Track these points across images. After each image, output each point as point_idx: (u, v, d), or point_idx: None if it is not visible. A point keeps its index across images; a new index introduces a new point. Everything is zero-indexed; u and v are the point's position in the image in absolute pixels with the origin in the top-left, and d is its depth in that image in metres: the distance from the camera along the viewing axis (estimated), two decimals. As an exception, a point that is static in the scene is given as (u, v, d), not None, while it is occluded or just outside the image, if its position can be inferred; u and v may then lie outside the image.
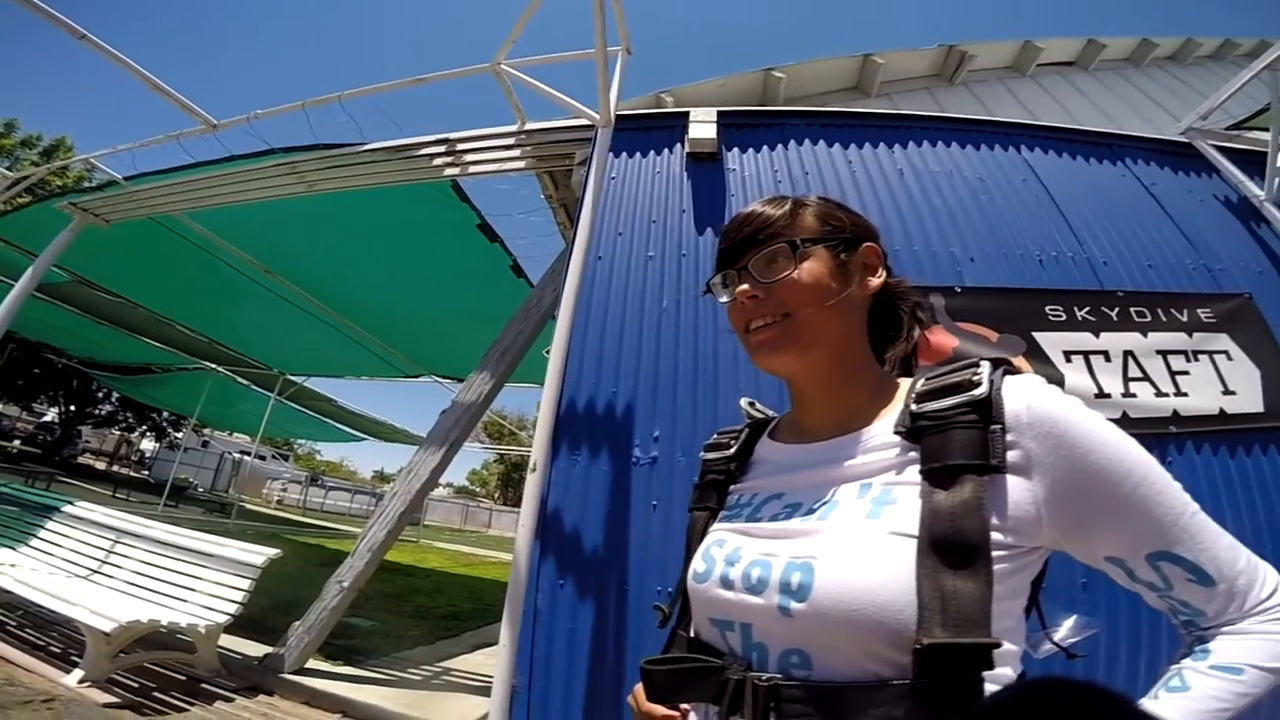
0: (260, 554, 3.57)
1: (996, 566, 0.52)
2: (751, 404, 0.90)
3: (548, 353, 2.74)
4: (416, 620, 5.96)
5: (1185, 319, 2.92)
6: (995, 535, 0.53)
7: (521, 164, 4.06)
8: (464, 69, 3.95)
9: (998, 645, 0.48)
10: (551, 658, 2.34)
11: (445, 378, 9.91)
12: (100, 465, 27.41)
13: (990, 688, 0.48)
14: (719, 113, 3.59)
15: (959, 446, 0.56)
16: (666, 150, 3.59)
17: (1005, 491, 0.55)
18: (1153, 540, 0.55)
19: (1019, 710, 0.37)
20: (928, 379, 0.64)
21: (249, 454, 25.04)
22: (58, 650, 3.36)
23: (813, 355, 0.69)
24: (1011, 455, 0.56)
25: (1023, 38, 6.33)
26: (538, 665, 2.33)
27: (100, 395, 22.75)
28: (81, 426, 24.59)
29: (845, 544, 0.56)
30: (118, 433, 28.58)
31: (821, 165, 3.52)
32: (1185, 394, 2.74)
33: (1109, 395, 2.71)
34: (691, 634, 0.73)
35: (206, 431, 28.77)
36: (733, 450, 0.82)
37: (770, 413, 0.88)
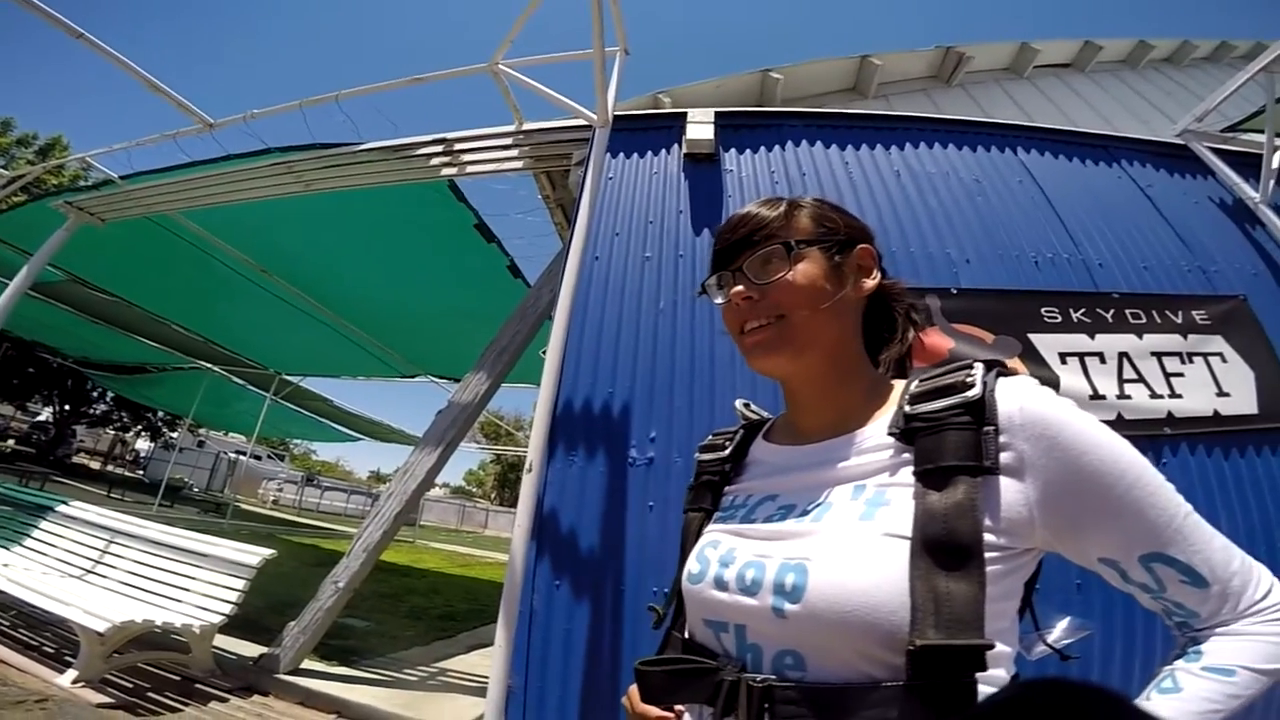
0: (255, 554, 3.56)
1: (989, 568, 0.52)
2: (747, 405, 0.90)
3: (544, 353, 2.74)
4: (412, 620, 5.95)
5: (1180, 321, 2.93)
6: (988, 537, 0.53)
7: (519, 164, 4.05)
8: (462, 69, 3.94)
9: (991, 647, 0.48)
10: (547, 658, 2.34)
11: (442, 378, 9.89)
12: (95, 465, 27.30)
13: (984, 689, 0.48)
14: (716, 113, 3.59)
15: (952, 448, 0.56)
16: (664, 151, 3.59)
17: (998, 493, 0.55)
18: (1145, 542, 0.55)
19: (1016, 710, 0.37)
20: (922, 380, 0.64)
21: (244, 454, 25.02)
22: (51, 650, 3.35)
23: (807, 357, 0.69)
24: (1004, 457, 0.56)
25: (1020, 39, 6.35)
26: (533, 666, 2.33)
27: (95, 395, 22.65)
28: (76, 426, 24.46)
29: (839, 545, 0.56)
30: (112, 432, 28.44)
31: (818, 166, 3.52)
32: (1180, 396, 2.75)
33: (1104, 397, 2.71)
34: (686, 635, 0.72)
35: (202, 431, 28.63)
36: (727, 451, 0.82)
37: (765, 414, 0.88)
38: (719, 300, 0.75)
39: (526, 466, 2.54)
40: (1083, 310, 2.92)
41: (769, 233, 0.71)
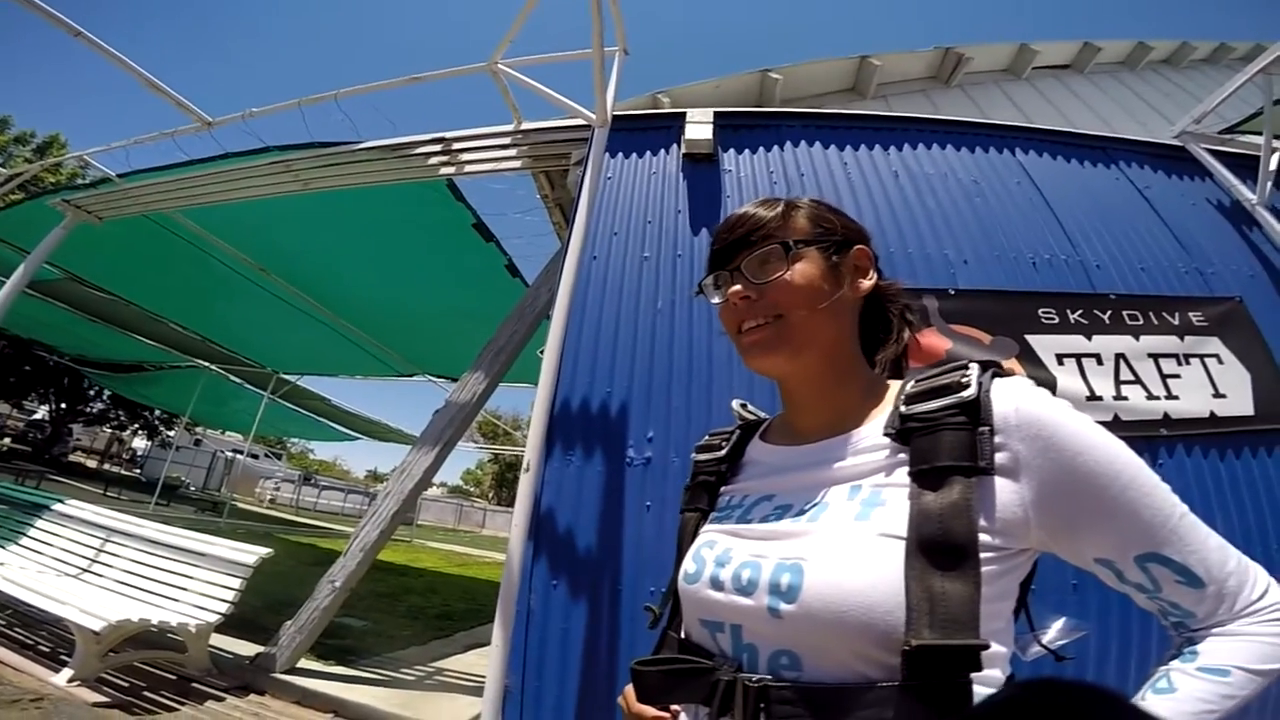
0: (252, 553, 3.55)
1: (984, 568, 0.52)
2: (743, 405, 0.90)
3: (541, 353, 2.73)
4: (409, 620, 5.94)
5: (1177, 322, 2.94)
6: (983, 537, 0.53)
7: (517, 163, 4.05)
8: (460, 68, 3.93)
9: (986, 647, 0.48)
10: (544, 658, 2.34)
11: (439, 377, 9.89)
12: (91, 463, 27.27)
13: (979, 689, 0.48)
14: (715, 114, 3.59)
15: (947, 448, 0.56)
16: (663, 151, 3.59)
17: (993, 493, 0.55)
18: (1141, 542, 0.55)
19: (1014, 711, 0.37)
20: (917, 381, 0.64)
21: (242, 453, 25.01)
22: (47, 649, 3.34)
23: (805, 357, 0.69)
24: (999, 457, 0.56)
25: (1019, 40, 6.36)
26: (530, 665, 2.33)
27: (92, 393, 22.59)
28: (73, 424, 24.41)
29: (834, 546, 0.56)
30: (109, 431, 28.41)
31: (817, 167, 3.53)
32: (1176, 397, 2.76)
33: (1100, 398, 2.72)
34: (682, 635, 0.72)
35: (199, 430, 28.61)
36: (724, 452, 0.82)
37: (762, 414, 0.88)
38: (715, 300, 0.75)
39: (524, 466, 2.54)
40: (1080, 311, 2.93)
41: (766, 233, 0.71)
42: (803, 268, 0.68)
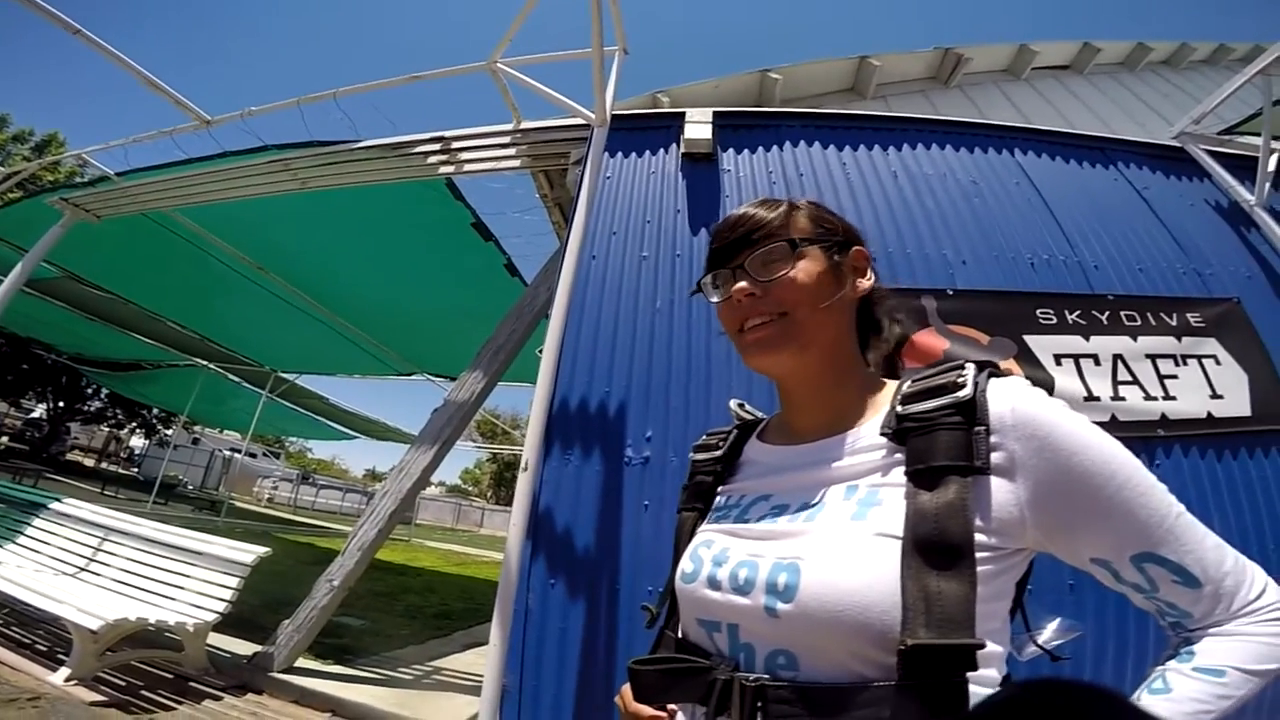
0: (250, 552, 3.55)
1: (980, 568, 0.52)
2: (741, 405, 0.91)
3: (540, 352, 2.73)
4: (407, 619, 5.94)
5: (1174, 323, 2.94)
6: (979, 536, 0.53)
7: (517, 163, 4.05)
8: (460, 67, 3.92)
9: (982, 646, 0.49)
10: (542, 657, 2.34)
11: (438, 376, 9.89)
12: (89, 462, 27.21)
13: (975, 689, 0.48)
14: (715, 113, 3.59)
15: (943, 448, 0.56)
16: (662, 150, 3.59)
17: (989, 493, 0.55)
18: (1137, 542, 0.55)
19: (1012, 711, 0.37)
20: (914, 381, 0.64)
21: (239, 451, 24.95)
22: (44, 648, 3.33)
23: (808, 355, 0.69)
24: (995, 457, 0.56)
25: (1018, 41, 6.37)
26: (528, 665, 2.33)
27: (89, 391, 22.56)
28: (70, 423, 24.36)
29: (831, 545, 0.56)
30: (107, 429, 28.36)
31: (816, 167, 3.53)
32: (1173, 398, 2.76)
33: (1098, 398, 2.72)
34: (680, 634, 0.73)
35: (197, 429, 28.51)
36: (721, 451, 0.82)
37: (759, 414, 0.88)
38: (715, 299, 0.75)
39: (522, 465, 2.54)
40: (1078, 312, 2.93)
41: (770, 231, 0.71)
42: (807, 266, 0.69)
